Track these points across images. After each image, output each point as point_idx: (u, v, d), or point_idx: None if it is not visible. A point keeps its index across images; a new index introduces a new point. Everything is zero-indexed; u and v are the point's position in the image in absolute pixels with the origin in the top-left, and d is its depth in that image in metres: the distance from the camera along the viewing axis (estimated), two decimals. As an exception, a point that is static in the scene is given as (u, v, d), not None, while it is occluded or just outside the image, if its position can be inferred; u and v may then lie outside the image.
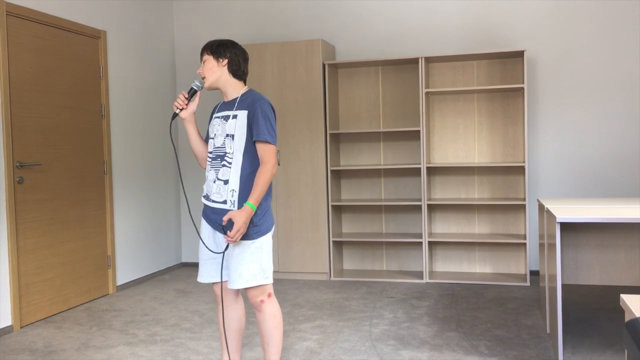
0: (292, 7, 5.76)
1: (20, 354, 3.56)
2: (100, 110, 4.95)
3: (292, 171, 5.33)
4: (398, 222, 5.54)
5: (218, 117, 2.74)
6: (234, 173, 2.65)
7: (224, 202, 2.67)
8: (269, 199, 2.73)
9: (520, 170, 5.23)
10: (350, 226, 5.66)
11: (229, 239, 2.57)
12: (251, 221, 2.63)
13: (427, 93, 5.18)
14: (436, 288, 4.94)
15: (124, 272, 5.22)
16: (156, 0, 5.80)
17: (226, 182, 2.67)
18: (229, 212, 2.57)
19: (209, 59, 2.71)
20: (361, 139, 5.59)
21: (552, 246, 3.20)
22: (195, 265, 6.10)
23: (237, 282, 2.67)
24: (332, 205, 5.34)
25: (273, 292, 2.79)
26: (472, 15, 5.34)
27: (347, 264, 5.66)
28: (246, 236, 2.65)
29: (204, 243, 2.78)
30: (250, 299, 2.74)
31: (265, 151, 2.62)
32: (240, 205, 2.64)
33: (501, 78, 5.23)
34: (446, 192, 5.41)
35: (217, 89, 2.76)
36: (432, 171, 5.40)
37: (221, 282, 2.72)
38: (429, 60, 5.20)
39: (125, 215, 5.23)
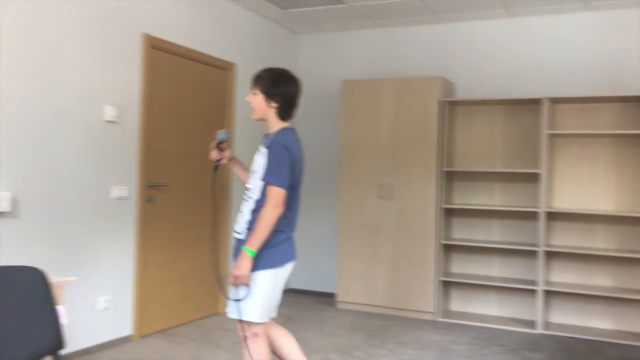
0: (413, 43, 5.80)
1: (138, 363, 3.79)
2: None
3: (403, 206, 5.30)
4: (512, 266, 5.31)
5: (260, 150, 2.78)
6: (249, 207, 2.71)
7: (240, 232, 2.74)
8: (282, 235, 2.67)
9: (651, 221, 4.86)
10: (460, 266, 5.51)
11: (235, 281, 2.58)
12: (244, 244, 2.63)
13: (549, 135, 4.98)
14: (551, 340, 4.66)
15: (235, 293, 5.40)
16: (284, 35, 6.07)
17: (243, 214, 2.73)
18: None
19: (259, 95, 2.71)
20: (476, 178, 5.46)
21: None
22: (302, 292, 6.19)
23: (230, 311, 2.69)
24: (442, 244, 5.24)
25: (262, 333, 2.68)
26: (603, 56, 5.09)
27: (455, 305, 5.50)
28: None
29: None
30: (237, 330, 2.73)
31: (268, 192, 2.60)
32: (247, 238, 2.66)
33: (633, 123, 4.92)
34: (566, 239, 5.13)
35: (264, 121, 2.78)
36: (552, 216, 5.15)
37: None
38: (553, 101, 5.01)
39: (239, 239, 5.43)
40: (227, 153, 2.88)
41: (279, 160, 2.61)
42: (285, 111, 2.74)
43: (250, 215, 2.69)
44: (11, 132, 3.40)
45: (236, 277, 2.56)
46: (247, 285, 2.60)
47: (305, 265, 6.20)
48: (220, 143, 2.85)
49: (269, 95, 2.70)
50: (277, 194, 2.59)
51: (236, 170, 2.97)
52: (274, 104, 2.71)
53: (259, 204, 2.66)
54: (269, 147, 2.66)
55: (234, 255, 2.76)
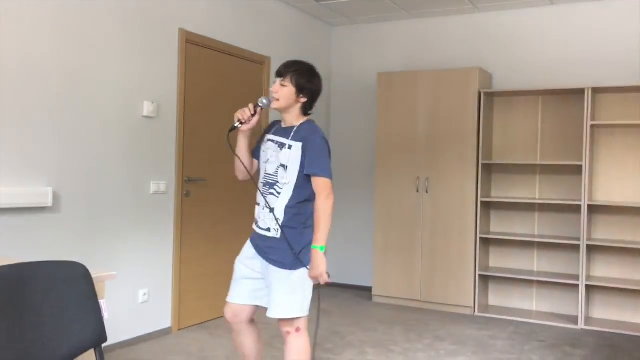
0: (449, 33, 5.70)
1: (176, 355, 3.84)
2: (260, 130, 5.23)
3: (441, 200, 5.24)
4: (552, 260, 5.20)
5: (273, 141, 2.70)
6: (280, 203, 2.63)
7: (268, 229, 2.66)
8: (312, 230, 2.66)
9: (699, 214, 4.69)
10: (498, 260, 5.41)
11: (320, 281, 2.61)
12: (292, 249, 2.61)
13: (592, 126, 4.84)
14: (593, 336, 4.55)
15: (271, 286, 5.43)
16: (316, 28, 6.05)
17: (272, 210, 2.64)
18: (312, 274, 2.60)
19: (290, 88, 2.65)
20: (515, 170, 5.35)
21: None
22: (338, 286, 6.19)
23: (274, 311, 2.64)
24: (481, 238, 5.16)
25: (304, 326, 2.68)
26: (649, 43, 4.92)
27: (493, 300, 5.42)
28: (287, 265, 2.62)
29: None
30: (279, 327, 2.72)
31: (318, 184, 2.61)
32: (283, 235, 2.62)
33: (681, 112, 4.74)
34: (609, 233, 4.99)
35: (281, 112, 2.71)
36: (594, 209, 5.01)
37: (243, 306, 2.74)
38: (596, 91, 4.87)
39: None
40: (254, 121, 2.69)
41: (323, 151, 2.62)
42: (310, 106, 2.73)
43: (285, 212, 2.63)
44: (52, 128, 3.47)
45: (317, 277, 2.60)
46: (329, 280, 2.63)
47: (342, 258, 6.19)
48: (259, 107, 2.70)
49: (302, 90, 2.66)
50: (328, 185, 2.62)
51: (242, 140, 2.74)
52: (303, 99, 2.68)
53: (297, 200, 2.63)
54: (306, 139, 2.63)
55: (264, 254, 2.67)
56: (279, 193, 2.65)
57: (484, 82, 5.27)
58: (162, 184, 4.22)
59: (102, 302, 1.99)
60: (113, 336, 3.80)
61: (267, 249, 2.67)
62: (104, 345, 1.94)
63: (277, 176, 2.65)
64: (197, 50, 4.51)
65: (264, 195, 2.68)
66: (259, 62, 5.19)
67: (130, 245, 3.99)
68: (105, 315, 1.97)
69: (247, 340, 2.81)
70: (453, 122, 5.19)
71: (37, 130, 3.38)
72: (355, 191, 6.13)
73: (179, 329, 4.39)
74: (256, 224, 2.74)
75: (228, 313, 2.79)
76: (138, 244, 4.05)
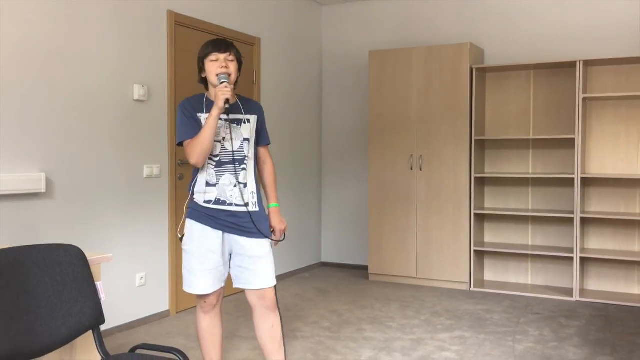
0: (440, 9, 5.67)
1: (176, 337, 3.86)
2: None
3: (435, 177, 5.25)
4: (546, 234, 5.23)
5: (220, 119, 2.58)
6: (250, 176, 2.71)
7: (246, 204, 2.66)
8: None
9: (691, 184, 4.72)
10: (493, 236, 5.45)
11: (280, 234, 2.79)
12: (268, 222, 2.76)
13: (584, 99, 4.84)
14: (588, 307, 4.60)
15: (268, 267, 5.45)
16: (306, 8, 6.00)
17: (246, 185, 2.68)
18: (273, 225, 2.77)
19: (235, 62, 2.63)
20: (508, 145, 5.36)
21: None
22: (335, 266, 6.22)
23: (267, 281, 2.68)
24: (475, 214, 5.18)
25: None
26: (638, 15, 4.91)
27: (489, 275, 5.46)
28: (268, 234, 2.72)
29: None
30: (267, 301, 2.70)
31: (266, 151, 2.84)
32: (260, 206, 2.73)
33: (672, 82, 4.75)
34: (603, 205, 5.02)
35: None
36: (587, 182, 5.04)
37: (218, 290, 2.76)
38: (587, 63, 4.86)
39: (270, 214, 5.46)
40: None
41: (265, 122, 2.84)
42: (238, 79, 2.72)
43: (255, 183, 2.73)
44: (43, 114, 3.44)
45: (285, 229, 2.80)
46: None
47: (337, 238, 6.22)
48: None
49: (241, 63, 2.70)
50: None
51: (218, 121, 2.56)
52: (239, 73, 2.70)
53: (255, 170, 2.76)
54: (259, 112, 2.76)
55: (241, 231, 2.64)
56: (247, 167, 2.70)
57: (476, 58, 5.25)
58: (156, 167, 4.21)
59: (99, 284, 1.99)
60: (112, 320, 3.81)
61: (246, 224, 2.65)
62: (103, 328, 1.95)
63: (244, 151, 2.68)
64: (186, 32, 4.47)
65: (234, 172, 2.63)
66: (250, 43, 5.15)
67: (126, 229, 3.99)
68: (103, 297, 1.98)
69: (219, 325, 2.82)
70: (445, 98, 5.18)
71: (28, 117, 3.35)
72: (349, 170, 6.13)
73: (177, 312, 4.41)
74: (223, 204, 2.63)
75: (210, 301, 2.73)
76: (133, 228, 4.05)
